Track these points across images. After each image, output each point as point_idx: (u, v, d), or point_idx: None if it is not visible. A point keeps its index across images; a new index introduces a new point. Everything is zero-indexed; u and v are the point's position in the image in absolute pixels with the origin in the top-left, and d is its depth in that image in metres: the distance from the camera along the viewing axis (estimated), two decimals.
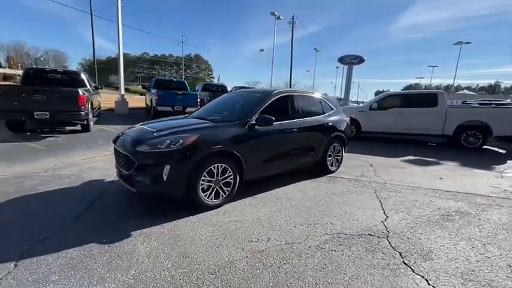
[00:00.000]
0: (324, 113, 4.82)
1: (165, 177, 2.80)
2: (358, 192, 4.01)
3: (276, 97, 3.99)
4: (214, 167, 3.12)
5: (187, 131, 3.11)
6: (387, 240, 2.64)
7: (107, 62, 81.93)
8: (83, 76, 8.39)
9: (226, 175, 3.26)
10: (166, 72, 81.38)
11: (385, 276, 2.08)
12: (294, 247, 2.45)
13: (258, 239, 2.57)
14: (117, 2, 11.44)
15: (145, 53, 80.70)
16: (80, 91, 6.83)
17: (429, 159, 6.60)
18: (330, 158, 4.89)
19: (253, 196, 3.66)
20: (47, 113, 6.51)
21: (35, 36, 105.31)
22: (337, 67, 58.98)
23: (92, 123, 8.09)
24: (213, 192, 3.18)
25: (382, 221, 3.05)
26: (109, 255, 2.22)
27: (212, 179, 3.14)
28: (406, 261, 2.29)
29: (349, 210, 3.32)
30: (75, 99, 6.72)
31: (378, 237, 2.69)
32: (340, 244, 2.53)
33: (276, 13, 25.15)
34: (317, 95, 4.98)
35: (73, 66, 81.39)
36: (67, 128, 8.30)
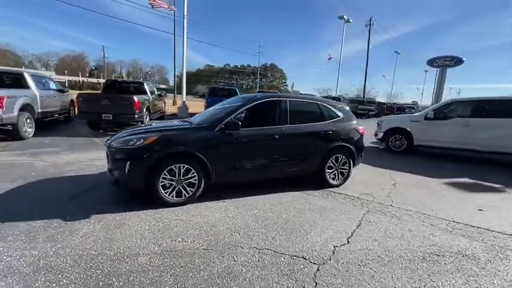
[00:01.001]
0: (325, 120, 4.40)
1: (126, 172, 3.17)
2: (343, 211, 3.50)
3: (257, 102, 3.92)
4: (175, 167, 3.32)
5: (153, 132, 3.44)
6: (317, 267, 2.26)
7: (196, 74, 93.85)
8: (145, 86, 10.04)
9: (190, 176, 3.41)
10: (243, 81, 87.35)
11: None
12: (207, 254, 2.40)
13: (183, 240, 2.62)
14: (183, 27, 13.26)
15: (227, 64, 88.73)
16: (135, 98, 8.20)
17: (490, 184, 5.08)
18: (331, 171, 4.40)
19: (223, 200, 3.67)
20: (111, 115, 8.09)
21: (147, 54, 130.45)
22: (426, 71, 51.02)
23: None
24: (175, 191, 3.37)
25: (335, 246, 2.61)
26: (59, 229, 2.69)
27: (174, 178, 3.34)
28: None
29: (308, 229, 2.96)
30: (131, 105, 8.11)
31: (310, 262, 2.34)
32: (258, 261, 2.33)
33: (344, 17, 23.80)
34: (318, 100, 4.59)
35: (171, 77, 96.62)
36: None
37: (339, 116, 4.55)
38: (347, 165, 4.53)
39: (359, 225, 3.10)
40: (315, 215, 3.35)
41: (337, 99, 21.68)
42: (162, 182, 3.28)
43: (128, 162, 3.17)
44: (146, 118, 9.16)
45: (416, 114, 8.21)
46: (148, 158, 3.19)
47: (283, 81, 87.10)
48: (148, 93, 9.95)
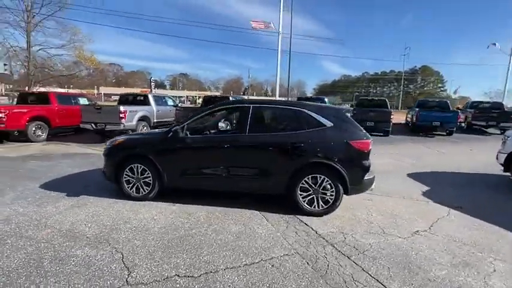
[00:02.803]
0: (301, 129, 3.53)
1: (104, 165, 4.04)
2: (263, 244, 2.76)
3: (214, 109, 3.79)
4: (134, 166, 3.85)
5: (127, 136, 4.12)
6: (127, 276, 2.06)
7: (331, 85, 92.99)
8: (230, 99, 11.41)
9: (145, 176, 3.83)
10: (385, 89, 77.53)
11: None
12: (76, 242, 2.72)
13: (88, 227, 3.06)
14: (278, 40, 13.97)
15: (366, 72, 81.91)
16: None
17: None
18: (307, 194, 3.47)
19: (176, 204, 3.79)
20: None
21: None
22: None
23: None
24: (135, 187, 3.90)
25: (176, 275, 2.21)
26: (53, 200, 3.82)
27: (134, 176, 3.87)
28: None
29: (188, 250, 2.63)
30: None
31: (127, 282, 2.15)
32: (89, 258, 2.40)
33: None
34: (297, 105, 3.71)
35: (308, 90, 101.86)
36: None
37: (324, 125, 3.53)
38: (332, 190, 3.41)
39: (251, 264, 2.39)
40: (226, 238, 2.86)
41: (499, 105, 15.25)
42: (125, 177, 3.89)
43: (105, 158, 4.03)
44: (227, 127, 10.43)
45: None
46: (114, 157, 3.91)
47: (439, 85, 69.78)
48: None
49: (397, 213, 3.65)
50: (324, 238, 2.92)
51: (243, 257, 2.52)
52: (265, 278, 2.20)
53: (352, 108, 4.60)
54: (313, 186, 3.45)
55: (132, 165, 3.85)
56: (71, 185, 4.49)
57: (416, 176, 5.66)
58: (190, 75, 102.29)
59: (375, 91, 75.92)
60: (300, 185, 3.47)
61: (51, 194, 4.10)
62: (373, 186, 3.66)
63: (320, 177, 3.43)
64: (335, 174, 3.40)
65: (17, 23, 18.77)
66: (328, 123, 3.54)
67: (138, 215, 3.40)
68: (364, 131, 3.62)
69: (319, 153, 3.42)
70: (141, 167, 3.82)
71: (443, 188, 4.85)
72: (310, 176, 3.44)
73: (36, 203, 3.73)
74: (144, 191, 3.87)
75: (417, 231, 3.13)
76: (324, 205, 3.47)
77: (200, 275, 2.22)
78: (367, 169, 3.46)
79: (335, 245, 2.77)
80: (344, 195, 3.49)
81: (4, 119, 8.21)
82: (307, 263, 2.44)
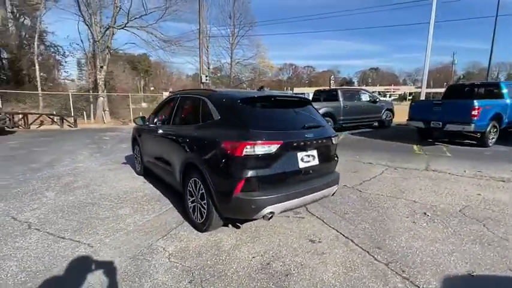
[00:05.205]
0: (196, 122, 2.89)
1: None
2: (103, 233, 2.74)
3: (168, 99, 3.96)
4: (135, 147, 4.88)
5: None
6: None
7: None
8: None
9: (139, 155, 4.75)
10: None
11: None
12: (48, 189, 4.08)
13: (79, 180, 4.41)
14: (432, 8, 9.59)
15: None
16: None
17: None
18: (192, 199, 2.83)
19: (147, 183, 4.39)
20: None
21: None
22: None
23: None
24: (137, 163, 4.92)
25: (27, 223, 2.90)
26: (112, 163, 5.73)
27: (136, 155, 4.92)
28: None
29: (71, 211, 3.19)
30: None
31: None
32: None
33: None
34: (204, 94, 2.94)
35: None
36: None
37: (213, 118, 2.67)
38: (205, 201, 2.57)
39: (61, 239, 2.58)
40: (102, 215, 3.14)
41: None
42: (134, 155, 5.03)
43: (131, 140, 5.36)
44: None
45: None
46: (132, 139, 5.13)
47: None
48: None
49: (293, 271, 2.05)
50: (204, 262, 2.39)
51: (72, 231, 2.73)
52: (43, 253, 2.36)
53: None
54: (195, 192, 2.77)
55: (135, 146, 4.91)
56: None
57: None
58: (382, 68, 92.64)
59: None
60: (188, 187, 2.90)
61: (119, 160, 6.07)
62: (265, 212, 2.30)
63: (198, 182, 2.69)
64: (203, 181, 2.53)
65: (225, 45, 27.24)
66: (217, 116, 2.64)
67: (113, 183, 4.37)
68: (258, 130, 2.34)
69: (195, 153, 2.70)
70: (137, 148, 4.79)
71: None
72: (193, 179, 2.79)
73: (103, 163, 5.75)
74: (139, 168, 4.83)
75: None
76: (200, 218, 2.70)
77: (39, 231, 2.76)
78: (240, 183, 2.24)
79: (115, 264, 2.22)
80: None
81: None
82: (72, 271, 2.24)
